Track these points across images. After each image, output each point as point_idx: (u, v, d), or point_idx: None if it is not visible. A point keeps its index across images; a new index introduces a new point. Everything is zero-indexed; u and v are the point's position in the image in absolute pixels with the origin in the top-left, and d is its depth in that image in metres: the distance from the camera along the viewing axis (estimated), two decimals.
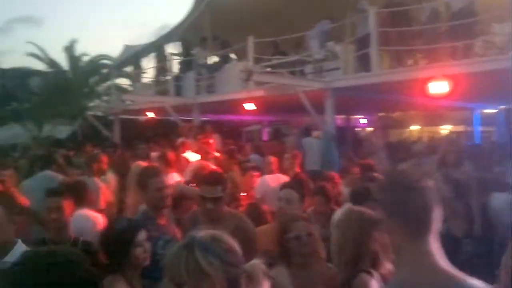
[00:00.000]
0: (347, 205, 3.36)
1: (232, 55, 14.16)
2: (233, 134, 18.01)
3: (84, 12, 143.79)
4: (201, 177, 3.14)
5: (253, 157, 9.19)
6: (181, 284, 1.34)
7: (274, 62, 11.31)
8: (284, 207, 3.45)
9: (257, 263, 1.49)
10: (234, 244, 1.45)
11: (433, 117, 16.14)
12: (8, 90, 16.25)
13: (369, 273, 2.18)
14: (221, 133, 11.88)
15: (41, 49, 18.56)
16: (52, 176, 5.22)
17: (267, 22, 12.05)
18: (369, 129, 19.61)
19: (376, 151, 8.63)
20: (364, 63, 8.83)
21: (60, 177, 5.24)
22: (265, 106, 11.88)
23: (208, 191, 2.98)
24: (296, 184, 4.04)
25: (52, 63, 18.60)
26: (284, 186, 3.79)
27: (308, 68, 10.37)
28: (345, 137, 12.73)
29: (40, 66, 19.21)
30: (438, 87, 7.35)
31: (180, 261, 1.36)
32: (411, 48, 8.58)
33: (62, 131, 17.09)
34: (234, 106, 12.17)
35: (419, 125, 19.76)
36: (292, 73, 10.54)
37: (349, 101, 10.73)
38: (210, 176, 3.12)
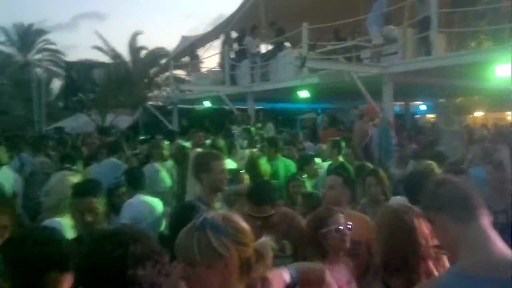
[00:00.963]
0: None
1: (287, 44, 14.06)
2: (287, 122, 18.00)
3: (144, 6, 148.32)
4: (249, 194, 3.00)
5: (308, 145, 9.16)
6: (193, 264, 1.36)
7: (329, 48, 11.10)
8: (327, 193, 3.37)
9: (266, 241, 1.48)
10: (244, 224, 1.45)
11: (499, 102, 15.20)
12: (74, 82, 17.16)
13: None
14: (275, 121, 11.92)
15: (105, 42, 19.48)
16: (117, 163, 5.46)
17: (323, 8, 11.86)
18: (430, 115, 18.85)
19: (440, 138, 8.28)
20: (424, 47, 8.46)
21: (123, 164, 5.46)
22: (319, 94, 11.72)
23: (256, 211, 2.85)
24: (340, 170, 3.89)
25: (115, 55, 19.42)
26: (330, 172, 3.68)
27: (364, 53, 10.09)
28: (404, 124, 12.33)
29: (103, 58, 20.15)
30: (504, 70, 6.91)
31: (192, 242, 1.37)
32: (474, 29, 8.11)
33: (124, 120, 17.84)
34: (288, 94, 12.11)
35: (483, 111, 18.71)
36: (348, 59, 10.31)
37: (408, 87, 10.36)
38: (257, 196, 2.95)
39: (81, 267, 1.37)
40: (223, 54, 14.11)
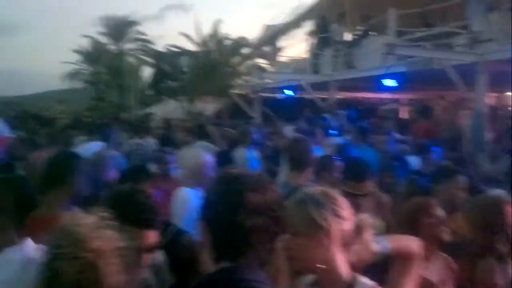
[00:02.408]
0: None
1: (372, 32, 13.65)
2: (369, 112, 17.47)
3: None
4: (348, 171, 2.95)
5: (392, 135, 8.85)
6: (296, 235, 1.47)
7: (418, 35, 10.60)
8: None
9: (365, 217, 1.56)
10: (343, 198, 1.53)
11: None
12: (163, 69, 18.02)
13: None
14: (357, 111, 11.66)
15: (194, 30, 20.18)
16: (208, 146, 5.70)
17: None
18: None
19: None
20: None
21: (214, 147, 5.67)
22: (406, 83, 11.27)
23: (357, 189, 2.75)
24: None
25: (201, 43, 20.09)
26: None
27: (456, 40, 9.51)
28: (498, 117, 11.46)
29: (190, 47, 20.90)
30: None
31: (294, 214, 1.47)
32: None
33: (210, 107, 18.45)
34: (372, 83, 11.77)
35: None
36: (438, 46, 9.78)
37: (505, 77, 9.61)
38: (358, 173, 2.86)
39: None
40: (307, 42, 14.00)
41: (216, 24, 20.95)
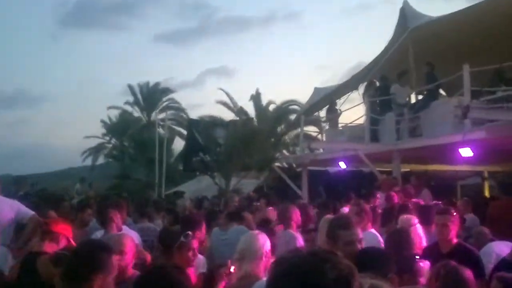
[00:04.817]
0: None
1: (441, 91, 13.56)
2: (444, 188, 16.88)
3: (273, 59, 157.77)
4: None
5: (470, 218, 8.38)
6: None
7: (498, 94, 10.37)
8: None
9: None
10: None
11: None
12: (196, 141, 18.40)
13: None
14: (428, 187, 11.27)
15: (230, 98, 20.83)
16: (244, 230, 5.61)
17: (485, 48, 11.31)
18: None
19: None
20: None
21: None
22: (486, 152, 10.88)
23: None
24: None
25: (240, 111, 20.58)
26: None
27: None
28: None
29: (228, 115, 21.44)
30: None
31: None
32: None
33: (248, 184, 18.45)
34: (445, 153, 11.48)
35: None
36: None
37: None
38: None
39: None
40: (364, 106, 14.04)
41: (258, 89, 21.65)
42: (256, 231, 3.81)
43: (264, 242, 3.49)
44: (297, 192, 15.05)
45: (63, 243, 4.06)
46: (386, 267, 3.13)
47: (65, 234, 4.13)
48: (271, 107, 22.25)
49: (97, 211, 5.82)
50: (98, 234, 5.26)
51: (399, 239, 4.11)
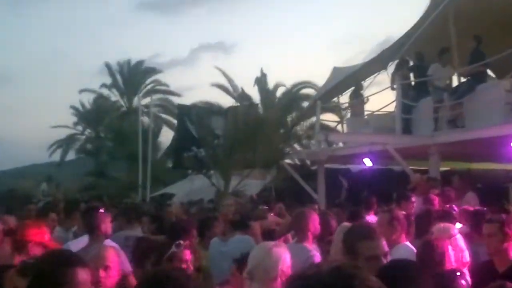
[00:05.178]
0: None
1: (489, 72, 13.54)
2: (492, 191, 16.87)
3: (281, 32, 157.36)
4: None
5: None
6: None
7: None
8: None
9: None
10: None
11: None
12: (188, 132, 18.36)
13: None
14: (474, 189, 11.29)
15: (229, 79, 20.81)
16: (246, 241, 5.71)
17: None
18: None
19: None
20: None
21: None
22: None
23: None
24: None
25: (241, 96, 20.57)
26: None
27: None
28: None
29: (226, 100, 21.41)
30: None
31: None
32: None
33: (252, 185, 18.45)
34: (493, 148, 11.51)
35: None
36: None
37: None
38: None
39: None
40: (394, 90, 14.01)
41: (263, 69, 21.61)
42: (271, 243, 3.78)
43: (280, 257, 3.46)
44: (312, 195, 15.07)
45: (37, 250, 4.10)
46: (420, 286, 3.11)
47: (39, 240, 4.17)
48: (280, 91, 22.34)
49: (83, 214, 5.85)
50: (71, 245, 5.28)
51: (432, 252, 4.09)
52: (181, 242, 4.38)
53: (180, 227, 5.70)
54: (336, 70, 18.51)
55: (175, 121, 25.11)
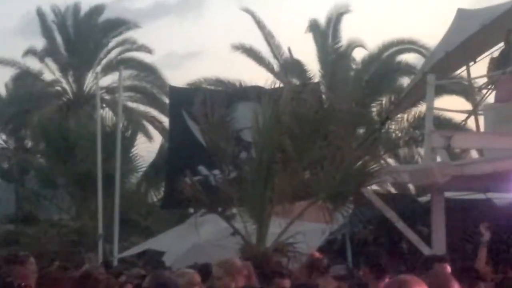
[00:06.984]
0: None
1: None
2: None
3: None
4: None
5: None
6: None
7: None
8: None
9: None
10: None
11: None
12: (192, 138, 18.53)
13: None
14: None
15: (266, 35, 20.99)
16: None
17: None
18: None
19: None
20: None
21: None
22: None
23: None
24: None
25: (287, 66, 20.72)
26: None
27: None
28: None
29: (260, 75, 21.57)
30: None
31: None
32: None
33: (309, 233, 18.58)
34: None
35: None
36: None
37: None
38: None
39: None
40: None
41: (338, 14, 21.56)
42: None
43: None
44: (421, 250, 15.15)
45: None
46: None
47: None
48: (359, 56, 22.35)
49: None
50: None
51: None
52: None
53: None
54: (462, 13, 18.56)
55: (165, 118, 25.41)
